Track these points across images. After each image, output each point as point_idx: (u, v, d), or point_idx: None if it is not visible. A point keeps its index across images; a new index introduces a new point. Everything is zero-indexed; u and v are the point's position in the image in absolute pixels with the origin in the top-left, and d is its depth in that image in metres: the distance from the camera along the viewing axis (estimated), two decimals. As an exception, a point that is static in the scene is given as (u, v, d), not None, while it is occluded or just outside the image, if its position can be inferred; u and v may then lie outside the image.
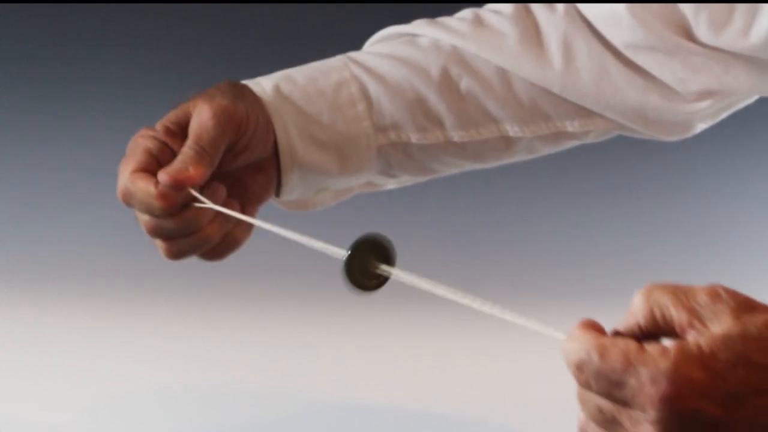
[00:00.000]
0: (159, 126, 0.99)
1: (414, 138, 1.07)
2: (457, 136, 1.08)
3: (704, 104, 1.08)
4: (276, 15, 2.62)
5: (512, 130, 1.09)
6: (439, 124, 1.07)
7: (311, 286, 1.78)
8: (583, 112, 1.09)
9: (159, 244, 0.98)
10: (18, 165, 2.33)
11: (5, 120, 2.45)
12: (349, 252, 0.83)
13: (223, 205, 0.96)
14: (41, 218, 2.17)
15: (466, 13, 1.11)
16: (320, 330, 1.83)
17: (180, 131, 0.98)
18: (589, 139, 1.13)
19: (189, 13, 2.62)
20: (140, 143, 0.98)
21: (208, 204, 0.95)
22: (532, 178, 2.21)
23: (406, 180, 1.13)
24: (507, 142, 1.10)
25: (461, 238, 2.20)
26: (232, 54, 2.55)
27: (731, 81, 1.06)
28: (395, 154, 1.08)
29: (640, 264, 2.12)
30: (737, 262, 2.13)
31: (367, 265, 0.83)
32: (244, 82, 1.04)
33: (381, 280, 0.84)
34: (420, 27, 1.10)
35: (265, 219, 0.96)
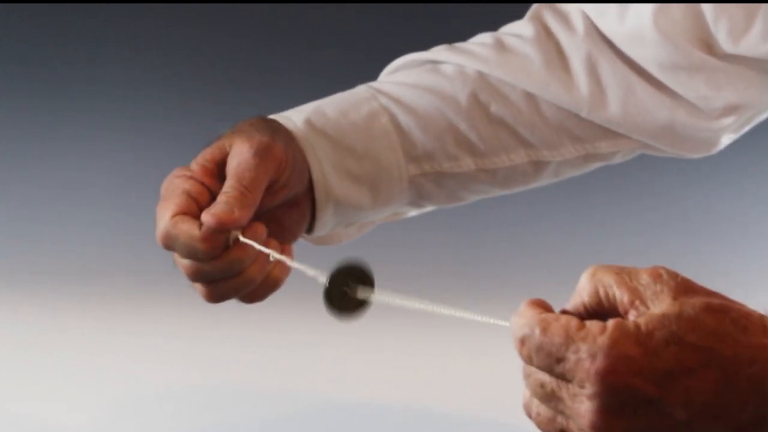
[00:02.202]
0: (195, 166, 0.95)
1: (446, 167, 1.06)
2: (488, 162, 1.08)
3: (729, 120, 1.08)
4: (276, 15, 2.62)
5: (542, 154, 1.08)
6: (470, 151, 1.07)
7: (311, 286, 1.79)
8: (610, 133, 1.09)
9: (199, 289, 0.96)
10: (18, 165, 2.33)
11: (5, 120, 2.45)
12: (327, 284, 0.83)
13: (264, 244, 0.93)
14: (43, 218, 2.17)
15: (486, 37, 1.10)
16: (320, 330, 1.83)
17: (217, 170, 0.95)
18: (616, 160, 1.13)
19: (189, 14, 2.62)
20: (177, 185, 0.94)
21: (255, 246, 0.92)
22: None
23: (427, 208, 1.13)
24: (536, 167, 1.09)
25: (460, 238, 2.21)
26: (232, 54, 2.55)
27: (753, 94, 1.06)
28: (426, 183, 1.07)
29: (641, 265, 2.12)
30: (738, 262, 2.13)
31: (346, 292, 0.84)
32: (273, 116, 1.02)
33: (362, 304, 0.85)
34: (441, 53, 1.09)
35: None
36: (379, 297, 0.83)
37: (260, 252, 0.93)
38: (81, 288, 1.97)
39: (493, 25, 1.15)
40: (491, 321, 0.74)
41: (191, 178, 0.95)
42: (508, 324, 0.71)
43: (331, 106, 1.04)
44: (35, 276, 2.00)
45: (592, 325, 0.67)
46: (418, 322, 1.80)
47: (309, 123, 1.02)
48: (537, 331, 0.68)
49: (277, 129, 0.98)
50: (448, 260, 2.13)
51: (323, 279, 0.84)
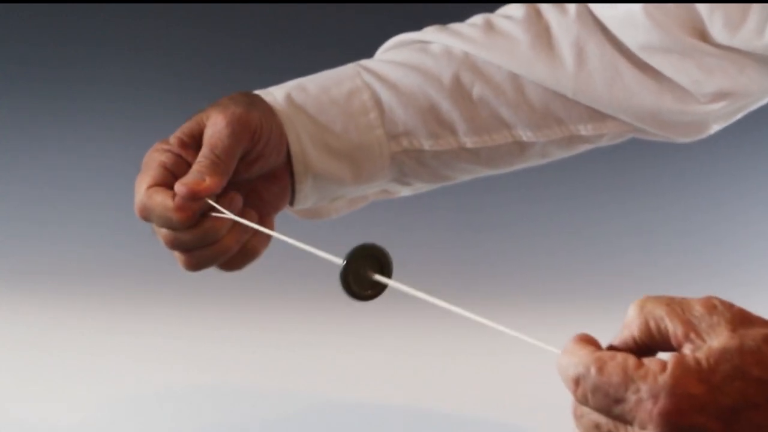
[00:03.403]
0: (173, 138, 0.99)
1: (427, 145, 1.07)
2: (470, 142, 1.08)
3: (718, 105, 1.08)
4: (276, 15, 2.62)
5: (525, 135, 1.09)
6: (451, 130, 1.07)
7: (311, 286, 1.78)
8: (596, 115, 1.09)
9: (178, 257, 0.98)
10: (18, 165, 2.33)
11: (5, 120, 2.45)
12: (345, 261, 0.83)
13: (240, 214, 0.95)
14: (43, 218, 2.17)
15: (477, 19, 1.11)
16: (320, 330, 1.83)
17: (194, 142, 0.98)
18: (603, 143, 1.13)
19: (189, 14, 2.62)
20: (154, 157, 0.98)
21: (226, 214, 0.94)
22: (532, 179, 2.21)
23: (420, 187, 1.13)
24: (520, 147, 1.10)
25: (461, 238, 2.20)
26: (232, 54, 2.55)
27: (746, 82, 1.06)
28: (408, 161, 1.08)
29: (641, 265, 2.12)
30: (737, 263, 2.13)
31: (364, 275, 0.84)
32: (256, 92, 1.04)
33: (377, 290, 0.85)
34: (431, 34, 1.10)
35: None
36: (397, 286, 0.83)
37: (236, 221, 0.94)
38: (81, 288, 1.97)
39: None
40: (537, 343, 0.72)
41: (168, 150, 0.98)
42: (554, 350, 0.69)
43: (313, 83, 1.06)
44: (35, 276, 2.00)
45: (651, 363, 0.65)
46: (418, 322, 1.80)
47: (289, 98, 1.04)
48: (593, 371, 0.66)
49: (255, 102, 1.01)
50: (450, 259, 2.13)
51: (340, 260, 0.84)
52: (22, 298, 1.93)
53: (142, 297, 1.93)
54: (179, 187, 0.94)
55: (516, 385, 1.63)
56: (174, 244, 0.96)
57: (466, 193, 2.15)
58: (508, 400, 1.60)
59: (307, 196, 1.05)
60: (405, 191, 1.14)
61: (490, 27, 1.09)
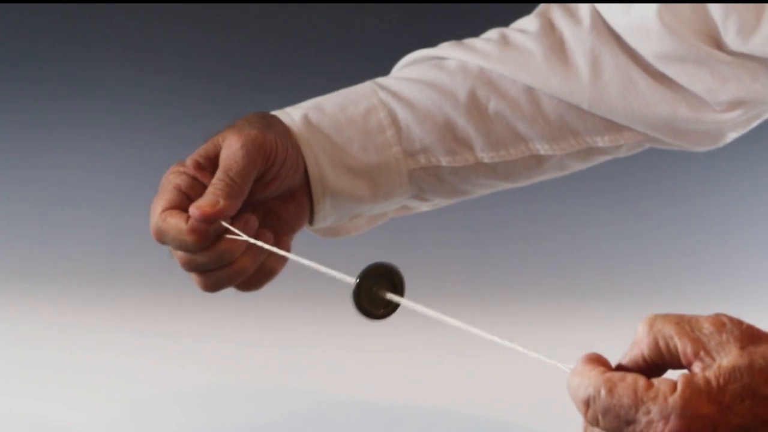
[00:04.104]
0: (189, 161, 0.99)
1: (444, 161, 1.07)
2: (487, 157, 1.08)
3: (734, 114, 1.08)
4: (275, 15, 2.62)
5: (542, 148, 1.09)
6: (468, 146, 1.08)
7: (312, 287, 1.79)
8: (612, 126, 1.09)
9: (194, 278, 0.98)
10: (18, 165, 2.33)
11: (5, 120, 2.45)
12: (358, 280, 0.84)
13: (256, 235, 0.96)
14: (43, 218, 2.17)
15: (493, 33, 1.11)
16: (320, 330, 1.83)
17: (210, 164, 0.98)
18: (621, 154, 1.13)
19: (189, 14, 2.62)
20: (170, 180, 0.98)
21: (241, 236, 0.95)
22: (547, 192, 2.21)
23: (439, 202, 1.14)
24: (538, 161, 1.10)
25: (466, 240, 2.21)
26: (232, 54, 2.55)
27: (760, 89, 1.06)
28: (426, 177, 1.08)
29: (643, 265, 2.12)
30: (738, 262, 2.13)
31: (376, 293, 0.84)
32: (274, 112, 1.04)
33: (390, 308, 0.85)
34: (447, 50, 1.10)
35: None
36: (409, 303, 0.83)
37: (253, 243, 0.95)
38: (81, 288, 1.97)
39: (493, 25, 1.15)
40: (549, 361, 0.72)
41: (183, 173, 0.98)
42: (564, 368, 0.69)
43: (330, 102, 1.06)
44: (35, 276, 2.00)
45: (661, 383, 0.65)
46: (418, 322, 1.80)
47: (305, 118, 1.04)
48: (603, 392, 0.66)
49: (271, 123, 1.01)
50: (454, 261, 2.13)
51: (352, 280, 0.84)
52: (22, 297, 1.93)
53: (142, 297, 1.93)
54: (193, 210, 0.94)
55: (516, 385, 1.63)
56: (190, 266, 0.97)
57: (476, 204, 2.15)
58: (508, 400, 1.61)
59: (326, 216, 1.05)
60: (424, 207, 1.14)
61: (504, 41, 1.09)
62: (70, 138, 2.39)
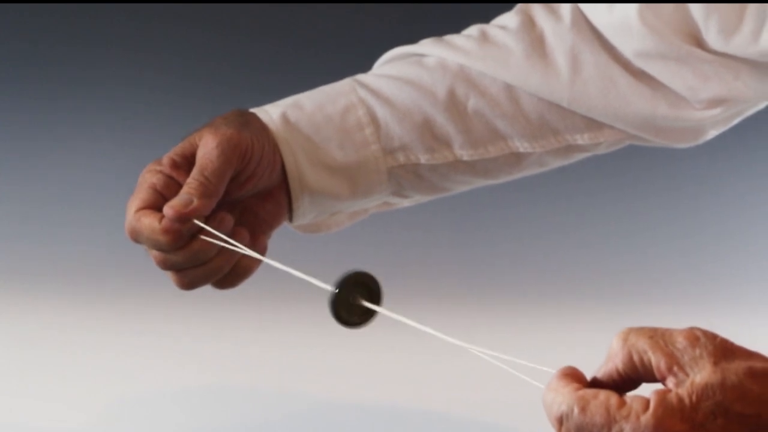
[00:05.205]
0: (165, 159, 0.99)
1: (423, 159, 1.08)
2: (465, 155, 1.08)
3: (714, 111, 1.08)
4: (275, 14, 2.62)
5: (521, 146, 1.09)
6: (447, 144, 1.08)
7: (311, 287, 1.79)
8: (592, 124, 1.09)
9: (171, 276, 0.99)
10: (18, 165, 2.33)
11: (5, 120, 2.45)
12: (336, 289, 0.84)
13: (231, 233, 0.96)
14: (43, 218, 2.17)
15: (473, 30, 1.11)
16: (320, 330, 1.83)
17: (186, 163, 0.99)
18: (600, 151, 1.13)
19: (189, 14, 2.61)
20: (146, 179, 0.98)
21: (216, 235, 0.95)
22: (532, 180, 2.21)
23: (419, 198, 1.14)
24: (517, 158, 1.10)
25: (461, 239, 2.21)
26: (231, 54, 2.55)
27: (741, 87, 1.06)
28: (405, 175, 1.08)
29: (641, 265, 2.12)
30: (737, 262, 2.13)
31: (354, 302, 0.85)
32: (252, 110, 1.04)
33: (367, 317, 0.86)
34: (427, 46, 1.10)
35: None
36: (386, 312, 0.83)
37: (226, 241, 0.95)
38: (81, 288, 1.97)
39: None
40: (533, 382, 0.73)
41: (159, 171, 0.98)
42: (546, 368, 0.70)
43: (310, 99, 1.06)
44: (35, 276, 2.00)
45: (634, 401, 0.65)
46: (420, 322, 1.80)
47: (284, 116, 1.04)
48: (576, 410, 0.66)
49: (248, 122, 1.01)
50: (453, 261, 2.13)
51: (330, 288, 0.85)
52: (22, 298, 1.93)
53: (142, 297, 1.93)
54: (167, 209, 0.94)
55: (515, 385, 1.63)
56: (165, 265, 0.97)
57: (466, 192, 2.15)
58: (508, 401, 1.61)
59: (305, 213, 1.05)
60: (405, 203, 1.14)
61: (484, 38, 1.09)
62: (70, 138, 2.39)
